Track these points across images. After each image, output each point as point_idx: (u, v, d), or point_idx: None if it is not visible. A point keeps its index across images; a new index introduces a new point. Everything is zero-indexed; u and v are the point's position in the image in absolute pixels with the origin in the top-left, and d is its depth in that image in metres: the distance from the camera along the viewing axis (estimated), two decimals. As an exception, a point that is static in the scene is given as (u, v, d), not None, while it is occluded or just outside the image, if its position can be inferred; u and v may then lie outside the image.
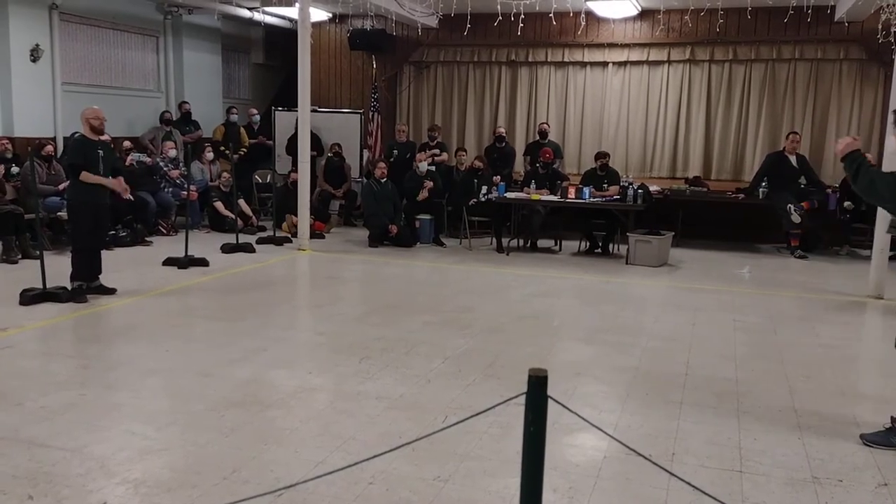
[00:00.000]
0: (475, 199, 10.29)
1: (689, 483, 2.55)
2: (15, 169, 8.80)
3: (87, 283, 6.67)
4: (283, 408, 4.22)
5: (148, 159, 10.42)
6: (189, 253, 8.31)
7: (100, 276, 6.85)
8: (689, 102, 11.68)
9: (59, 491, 3.18)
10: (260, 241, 9.84)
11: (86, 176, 6.52)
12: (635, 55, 11.72)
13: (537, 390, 2.05)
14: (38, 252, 6.83)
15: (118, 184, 6.79)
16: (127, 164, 9.74)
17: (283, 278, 8.41)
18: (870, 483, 3.48)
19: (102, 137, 6.78)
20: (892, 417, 3.90)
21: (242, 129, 12.24)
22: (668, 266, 9.12)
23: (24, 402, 4.17)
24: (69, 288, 6.57)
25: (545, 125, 11.53)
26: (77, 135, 7.08)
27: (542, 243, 10.36)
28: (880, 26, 9.37)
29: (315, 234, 10.29)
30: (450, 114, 12.85)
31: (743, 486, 3.42)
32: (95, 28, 11.10)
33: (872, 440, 3.89)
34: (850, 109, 11.05)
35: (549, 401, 2.09)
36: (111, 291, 6.81)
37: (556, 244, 10.39)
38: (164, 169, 10.51)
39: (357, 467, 2.93)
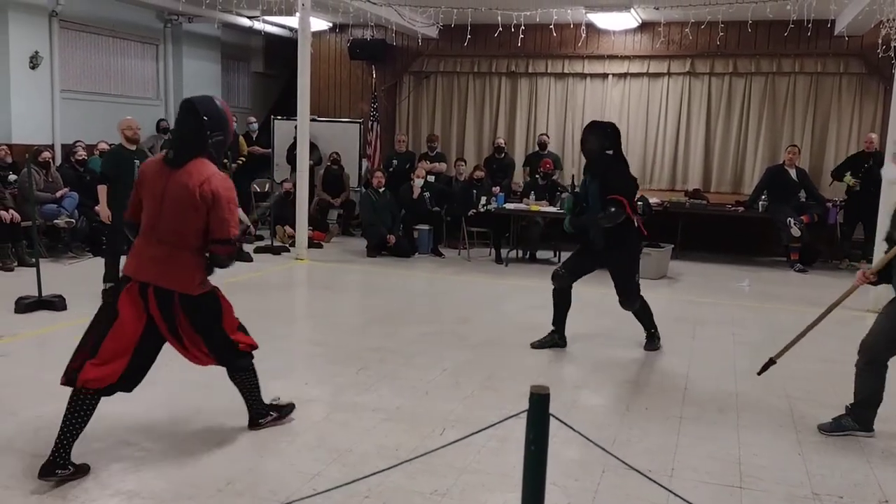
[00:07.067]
0: (474, 210, 10.26)
1: (686, 500, 2.51)
2: (12, 176, 8.77)
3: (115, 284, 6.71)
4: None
5: None
6: (186, 262, 8.26)
7: None
8: (688, 115, 11.68)
9: (51, 503, 3.14)
10: (258, 251, 9.81)
11: (101, 190, 6.77)
12: (635, 67, 11.72)
13: (539, 408, 2.00)
14: (34, 260, 6.79)
15: (102, 210, 6.82)
16: None
17: (280, 288, 8.38)
18: (871, 499, 3.45)
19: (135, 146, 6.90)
20: (846, 406, 4.24)
21: (241, 138, 12.21)
22: (667, 278, 9.10)
23: (19, 411, 4.14)
24: (104, 288, 6.69)
25: (545, 136, 11.52)
26: (115, 145, 7.28)
27: (540, 255, 10.33)
28: (880, 41, 9.38)
29: (313, 243, 10.26)
30: (449, 124, 12.84)
31: (743, 501, 3.38)
32: (95, 35, 11.09)
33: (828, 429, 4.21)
34: (850, 123, 11.05)
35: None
36: None
37: (554, 255, 10.35)
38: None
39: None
